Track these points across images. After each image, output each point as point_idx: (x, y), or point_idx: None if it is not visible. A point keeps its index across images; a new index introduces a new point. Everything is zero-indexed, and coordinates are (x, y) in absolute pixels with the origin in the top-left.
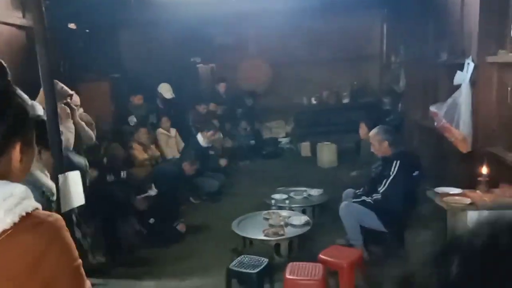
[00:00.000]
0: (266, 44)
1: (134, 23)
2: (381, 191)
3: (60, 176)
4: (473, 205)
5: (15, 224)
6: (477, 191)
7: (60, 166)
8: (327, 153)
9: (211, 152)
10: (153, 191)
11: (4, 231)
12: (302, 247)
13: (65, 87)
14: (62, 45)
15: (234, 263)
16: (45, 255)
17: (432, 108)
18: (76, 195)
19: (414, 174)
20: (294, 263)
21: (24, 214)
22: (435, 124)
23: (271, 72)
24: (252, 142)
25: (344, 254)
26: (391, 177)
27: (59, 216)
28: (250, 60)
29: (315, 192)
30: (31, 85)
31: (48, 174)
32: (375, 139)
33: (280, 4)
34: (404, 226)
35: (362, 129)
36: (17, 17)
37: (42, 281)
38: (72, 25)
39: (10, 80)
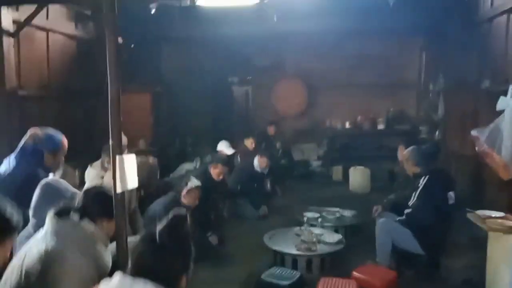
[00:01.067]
0: (303, 66)
1: (177, 40)
2: (411, 204)
3: (118, 157)
4: None
5: None
6: None
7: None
8: (360, 177)
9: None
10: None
11: None
12: (334, 266)
13: None
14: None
15: (265, 274)
16: None
17: (474, 132)
18: (131, 178)
19: (451, 200)
20: (327, 278)
21: None
22: (476, 148)
23: (307, 95)
24: (283, 161)
25: (378, 274)
26: (419, 189)
27: None
28: (286, 82)
29: (347, 213)
30: (81, 90)
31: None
32: (404, 158)
33: (319, 26)
34: (440, 249)
35: (401, 151)
36: (70, 28)
37: None
38: (119, 39)
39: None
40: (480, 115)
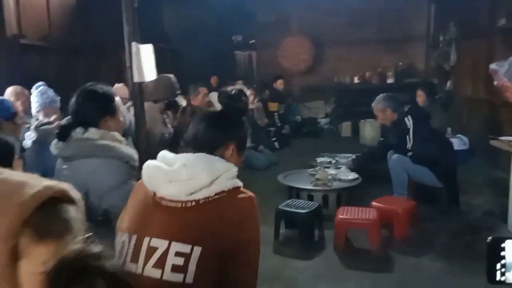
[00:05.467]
0: (308, 22)
1: None
2: (410, 147)
3: (134, 45)
4: None
5: (228, 190)
6: None
7: None
8: (370, 130)
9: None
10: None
11: (222, 191)
12: (351, 201)
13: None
14: (109, 15)
15: (282, 204)
16: (241, 223)
17: (492, 66)
18: (148, 69)
19: (464, 146)
20: (345, 207)
21: (235, 186)
22: (495, 83)
23: (313, 51)
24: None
25: (398, 202)
26: (411, 130)
27: (255, 196)
28: (292, 38)
29: None
30: (79, 46)
31: (124, 140)
32: (378, 110)
33: None
34: (455, 178)
35: (420, 96)
36: None
37: (232, 243)
38: None
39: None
40: (496, 54)
